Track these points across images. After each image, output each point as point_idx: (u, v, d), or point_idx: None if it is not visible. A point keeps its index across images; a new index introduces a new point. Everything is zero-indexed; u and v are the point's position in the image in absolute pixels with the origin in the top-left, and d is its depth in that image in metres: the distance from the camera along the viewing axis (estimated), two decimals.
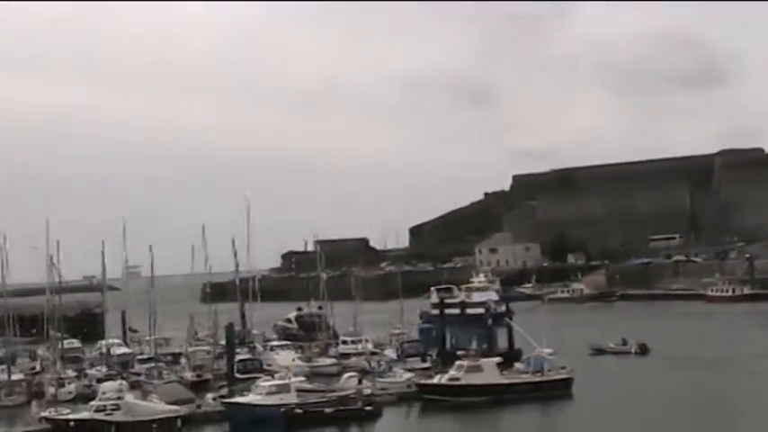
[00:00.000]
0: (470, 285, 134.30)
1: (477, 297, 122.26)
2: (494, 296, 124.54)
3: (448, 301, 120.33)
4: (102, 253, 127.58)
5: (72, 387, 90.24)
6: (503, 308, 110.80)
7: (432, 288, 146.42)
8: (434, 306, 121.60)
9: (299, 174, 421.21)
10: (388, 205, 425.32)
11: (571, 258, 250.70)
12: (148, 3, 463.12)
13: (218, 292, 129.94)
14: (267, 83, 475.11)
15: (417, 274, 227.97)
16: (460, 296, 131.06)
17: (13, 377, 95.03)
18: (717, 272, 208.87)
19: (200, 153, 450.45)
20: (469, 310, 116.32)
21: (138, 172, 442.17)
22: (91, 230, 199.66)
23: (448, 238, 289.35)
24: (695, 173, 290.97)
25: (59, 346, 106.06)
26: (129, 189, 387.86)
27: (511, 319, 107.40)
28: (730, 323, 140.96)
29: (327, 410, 76.58)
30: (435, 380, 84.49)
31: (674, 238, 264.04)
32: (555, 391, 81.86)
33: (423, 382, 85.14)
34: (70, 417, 75.53)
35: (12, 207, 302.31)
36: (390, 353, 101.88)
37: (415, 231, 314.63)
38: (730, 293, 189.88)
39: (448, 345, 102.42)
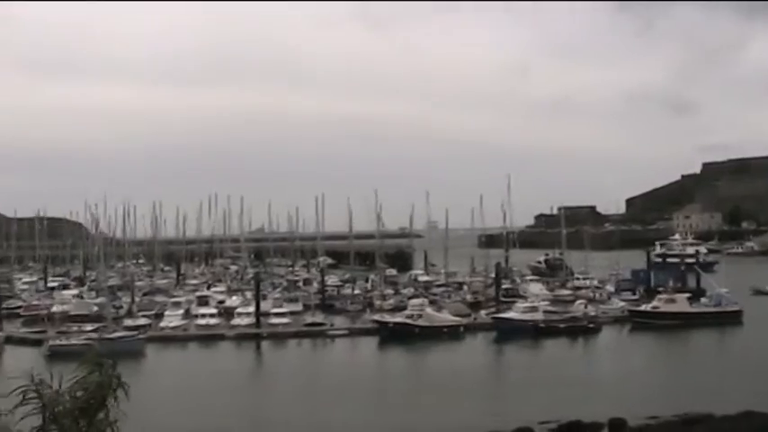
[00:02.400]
0: (671, 241, 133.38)
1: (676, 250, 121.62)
2: (690, 250, 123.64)
3: (661, 252, 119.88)
4: (411, 216, 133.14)
5: (391, 301, 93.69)
6: (694, 259, 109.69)
7: (655, 242, 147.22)
8: (657, 255, 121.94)
9: (550, 161, 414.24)
10: (611, 183, 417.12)
11: (745, 224, 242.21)
12: None
13: (490, 241, 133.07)
14: (518, 96, 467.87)
15: (630, 232, 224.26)
16: (664, 249, 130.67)
17: (355, 292, 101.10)
18: None
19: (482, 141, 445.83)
20: (669, 259, 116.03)
21: (435, 155, 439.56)
22: (404, 192, 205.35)
23: (654, 207, 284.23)
24: None
25: (383, 273, 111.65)
26: (430, 165, 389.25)
27: (705, 268, 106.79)
28: None
29: (561, 326, 78.94)
30: (642, 308, 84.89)
31: None
32: (729, 320, 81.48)
33: (633, 308, 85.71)
34: (390, 320, 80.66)
35: (351, 172, 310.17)
36: (610, 287, 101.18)
37: (630, 202, 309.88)
38: None
39: (652, 283, 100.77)
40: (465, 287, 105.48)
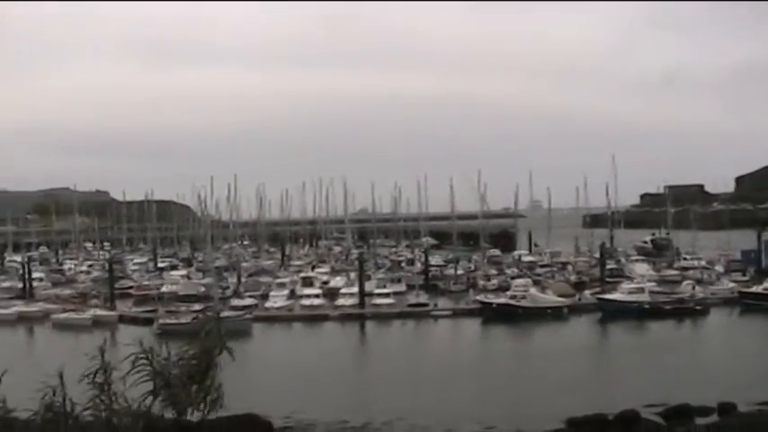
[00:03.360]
0: None
1: None
2: None
3: None
4: (515, 195, 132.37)
5: (495, 281, 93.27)
6: None
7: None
8: None
9: (656, 138, 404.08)
10: (720, 161, 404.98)
11: None
12: None
13: (594, 220, 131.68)
14: (623, 72, 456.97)
15: (740, 212, 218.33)
16: None
17: (459, 272, 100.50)
18: None
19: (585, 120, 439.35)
20: None
21: (538, 134, 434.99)
22: (508, 172, 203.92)
23: (765, 186, 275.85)
24: None
25: (487, 253, 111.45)
26: (533, 144, 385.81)
27: None
28: None
29: (668, 308, 77.34)
30: (753, 289, 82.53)
31: None
32: None
33: (743, 290, 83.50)
34: (493, 300, 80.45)
35: (454, 152, 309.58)
36: (719, 268, 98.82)
37: (740, 180, 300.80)
38: None
39: (763, 264, 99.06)
40: (569, 267, 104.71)
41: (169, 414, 9.80)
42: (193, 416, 9.89)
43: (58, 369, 9.53)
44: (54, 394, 9.35)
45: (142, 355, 9.72)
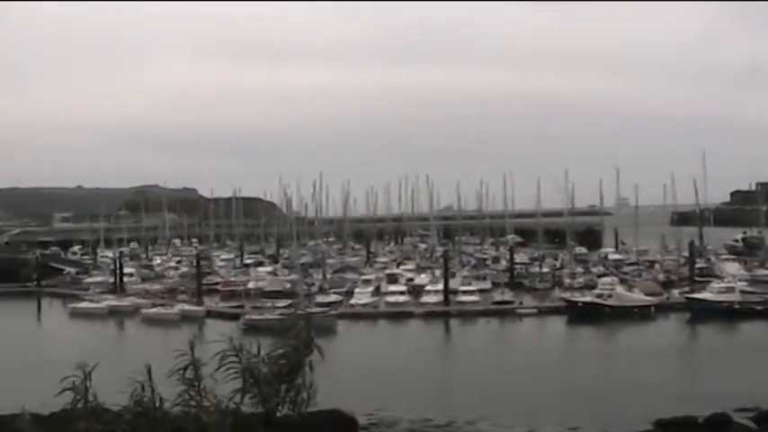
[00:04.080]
0: None
1: None
2: None
3: None
4: (600, 193, 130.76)
5: (581, 279, 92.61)
6: None
7: None
8: None
9: (747, 134, 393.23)
10: None
11: None
12: None
13: (682, 218, 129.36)
14: (710, 66, 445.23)
15: None
16: None
17: (544, 270, 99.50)
18: None
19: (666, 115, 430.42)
20: None
21: (624, 130, 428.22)
22: (593, 169, 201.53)
23: None
24: None
25: (573, 251, 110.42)
26: (619, 140, 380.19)
27: None
28: None
29: (759, 308, 75.37)
30: None
31: None
32: None
33: None
34: (579, 299, 79.70)
35: (540, 149, 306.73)
36: None
37: None
38: None
39: None
40: (657, 266, 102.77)
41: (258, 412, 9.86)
42: (282, 413, 9.95)
43: (146, 364, 9.66)
44: (143, 389, 9.50)
45: (231, 352, 9.82)
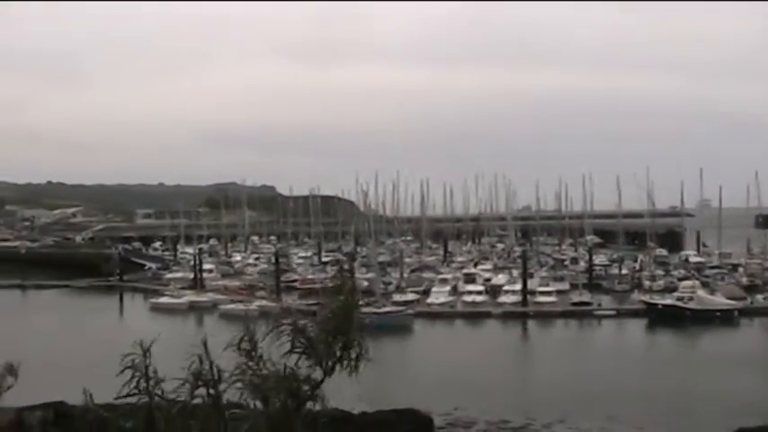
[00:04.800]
0: None
1: None
2: None
3: None
4: (681, 194, 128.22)
5: (661, 282, 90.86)
6: None
7: None
8: None
9: None
10: None
11: None
12: None
13: (767, 221, 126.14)
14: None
15: None
16: None
17: (623, 272, 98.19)
18: None
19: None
20: None
21: (707, 130, 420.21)
22: (675, 169, 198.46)
23: None
24: None
25: (653, 253, 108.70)
26: (702, 140, 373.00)
27: None
28: None
29: None
30: None
31: None
32: None
33: None
34: (659, 301, 78.34)
35: (620, 149, 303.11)
36: None
37: None
38: None
39: None
40: (740, 269, 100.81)
41: (316, 374, 9.84)
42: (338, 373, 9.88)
43: (203, 338, 9.67)
44: (201, 362, 9.55)
45: (282, 315, 9.88)
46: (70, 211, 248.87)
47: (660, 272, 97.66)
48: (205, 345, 9.57)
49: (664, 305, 76.59)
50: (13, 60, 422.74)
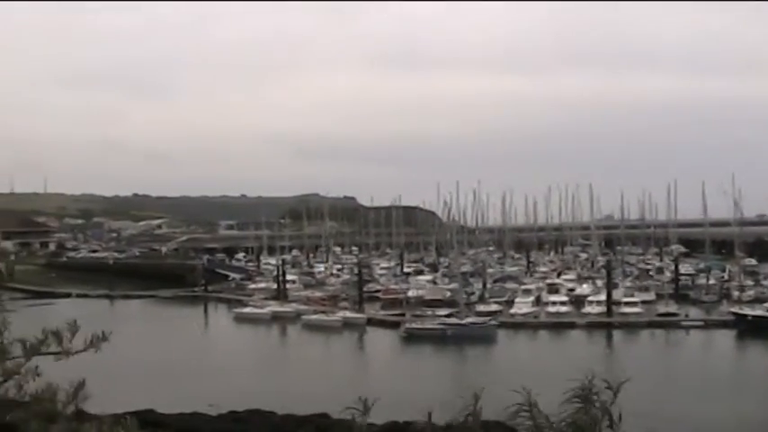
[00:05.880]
0: None
1: None
2: None
3: None
4: None
5: (750, 292, 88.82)
6: None
7: None
8: None
9: None
10: None
11: None
12: None
13: None
14: None
15: None
16: None
17: (711, 282, 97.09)
18: None
19: None
20: None
21: None
22: (763, 177, 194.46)
23: None
24: None
25: (741, 262, 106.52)
26: None
27: None
28: None
29: None
30: None
31: None
32: None
33: None
34: (749, 312, 76.47)
35: (706, 157, 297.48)
36: None
37: None
38: None
39: None
40: None
41: None
42: None
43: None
44: None
45: (525, 407, 8.49)
46: (155, 222, 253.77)
47: (749, 282, 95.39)
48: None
49: (754, 316, 74.76)
50: (102, 73, 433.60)
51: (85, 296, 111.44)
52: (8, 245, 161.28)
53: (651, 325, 77.80)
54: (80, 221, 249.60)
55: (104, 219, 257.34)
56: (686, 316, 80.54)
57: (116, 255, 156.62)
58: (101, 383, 3.54)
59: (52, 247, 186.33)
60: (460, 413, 7.52)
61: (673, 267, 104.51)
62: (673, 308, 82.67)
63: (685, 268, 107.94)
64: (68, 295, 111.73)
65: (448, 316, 77.50)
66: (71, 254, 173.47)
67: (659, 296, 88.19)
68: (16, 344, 3.60)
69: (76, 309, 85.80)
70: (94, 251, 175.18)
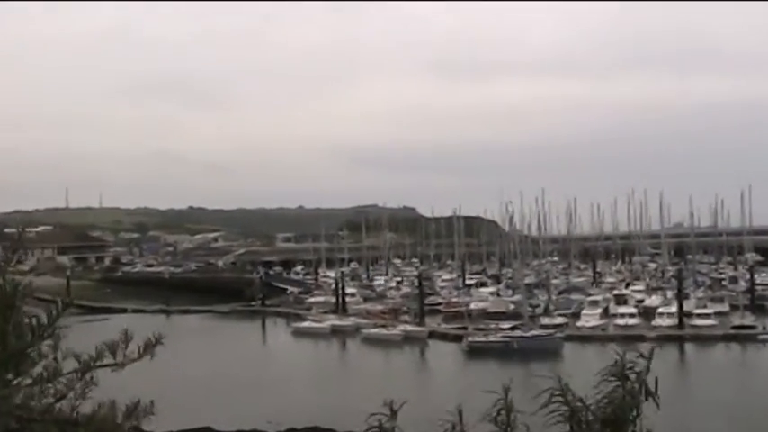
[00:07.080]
0: None
1: None
2: None
3: None
4: None
5: None
6: None
7: None
8: None
9: None
10: None
11: None
12: None
13: None
14: None
15: None
16: None
17: None
18: None
19: None
20: None
21: None
22: None
23: None
24: None
25: None
26: None
27: None
28: None
29: None
30: None
31: None
32: None
33: None
34: None
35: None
36: None
37: None
38: None
39: None
40: None
41: None
42: None
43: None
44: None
45: (558, 392, 9.01)
46: (212, 235, 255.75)
47: None
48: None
49: None
50: (159, 85, 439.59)
51: (142, 311, 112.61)
52: (64, 260, 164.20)
53: (726, 338, 76.52)
54: (135, 235, 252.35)
55: (160, 232, 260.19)
56: (764, 328, 78.92)
57: (172, 269, 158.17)
58: (158, 400, 3.47)
59: (107, 261, 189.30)
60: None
61: (748, 277, 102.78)
62: (749, 320, 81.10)
63: (762, 278, 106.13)
64: (124, 310, 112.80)
65: (512, 329, 76.99)
66: (126, 268, 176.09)
67: (734, 307, 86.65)
68: (71, 360, 3.55)
69: (132, 324, 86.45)
70: (150, 265, 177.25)
